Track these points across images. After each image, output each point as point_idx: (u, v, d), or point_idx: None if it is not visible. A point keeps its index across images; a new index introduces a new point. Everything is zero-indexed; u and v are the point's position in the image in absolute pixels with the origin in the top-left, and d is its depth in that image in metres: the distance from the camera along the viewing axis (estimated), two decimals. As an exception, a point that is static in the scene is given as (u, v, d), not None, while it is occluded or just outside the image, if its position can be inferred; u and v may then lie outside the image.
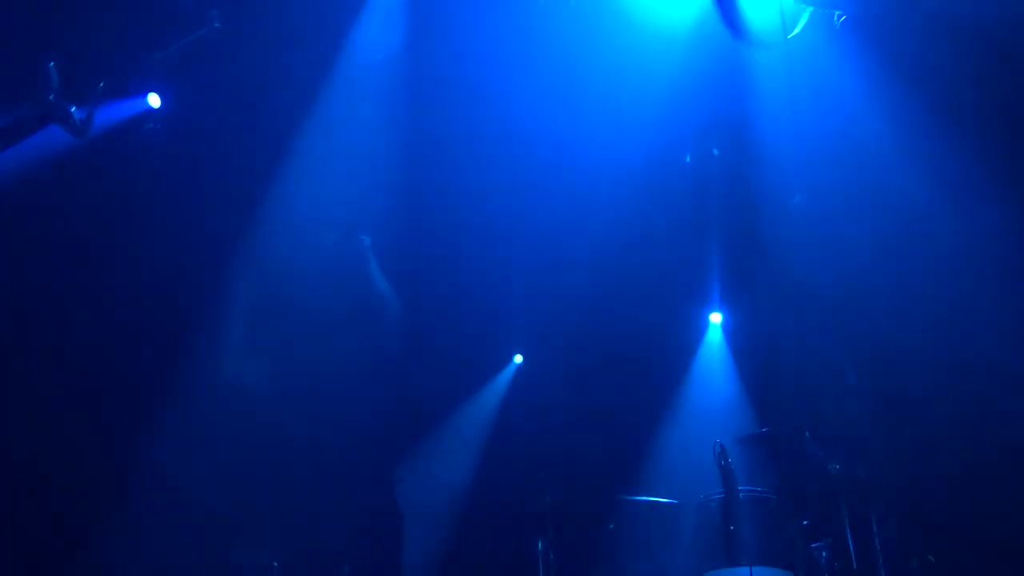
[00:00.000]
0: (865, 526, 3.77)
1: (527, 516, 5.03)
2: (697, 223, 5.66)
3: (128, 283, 5.00)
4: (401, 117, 4.93)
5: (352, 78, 4.64)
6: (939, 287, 4.49)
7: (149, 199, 4.91)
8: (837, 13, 4.54)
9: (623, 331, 6.29)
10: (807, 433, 4.02)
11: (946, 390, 4.41)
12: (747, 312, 6.03)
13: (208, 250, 5.15)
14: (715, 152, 5.26)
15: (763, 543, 4.07)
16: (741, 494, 4.16)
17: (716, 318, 6.44)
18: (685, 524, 4.44)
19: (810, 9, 4.41)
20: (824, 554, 3.91)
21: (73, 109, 1.50)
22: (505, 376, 6.70)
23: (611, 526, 4.50)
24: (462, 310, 5.74)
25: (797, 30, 4.37)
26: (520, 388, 6.54)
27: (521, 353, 6.82)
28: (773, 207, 5.30)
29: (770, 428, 4.20)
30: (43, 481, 4.38)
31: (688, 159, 5.19)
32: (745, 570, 4.00)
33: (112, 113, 4.80)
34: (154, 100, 5.14)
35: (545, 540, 4.26)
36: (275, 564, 4.35)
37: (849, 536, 3.82)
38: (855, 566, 3.75)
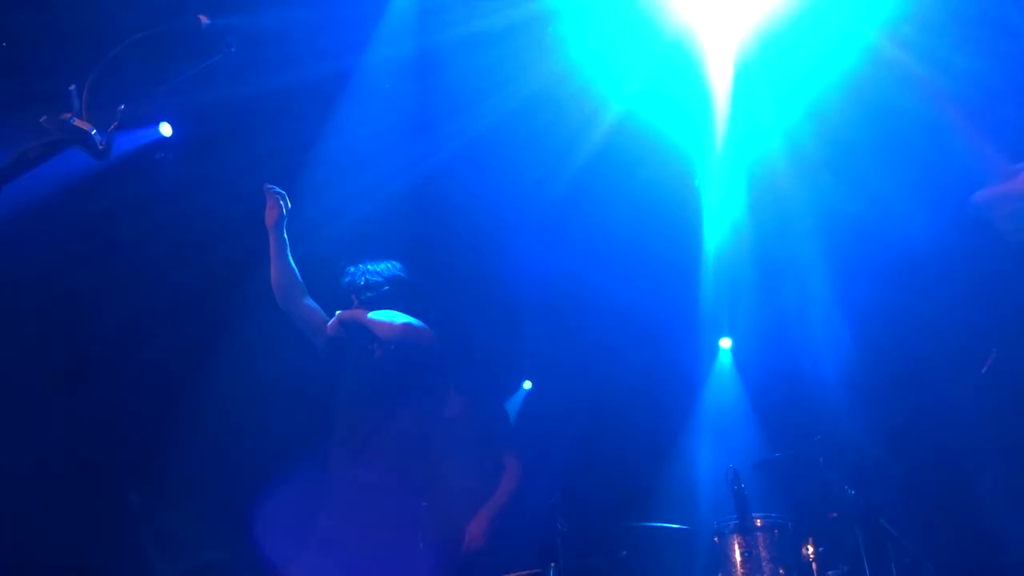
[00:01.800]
0: (881, 552, 3.72)
1: (538, 543, 4.99)
2: (703, 248, 5.67)
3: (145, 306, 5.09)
4: (411, 140, 4.96)
5: (364, 90, 4.67)
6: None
7: (163, 224, 4.99)
8: None
9: (633, 357, 6.29)
10: (821, 459, 3.98)
11: (960, 411, 4.39)
12: (757, 336, 6.01)
13: (223, 274, 5.21)
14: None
15: (778, 571, 4.02)
16: (755, 520, 4.12)
17: (726, 343, 6.43)
18: (698, 550, 4.39)
19: None
20: (840, 581, 3.85)
21: (94, 132, 1.50)
22: (514, 403, 6.69)
23: (623, 553, 4.45)
24: (470, 336, 5.73)
25: None
26: (530, 415, 6.53)
27: (530, 379, 6.81)
28: (781, 228, 5.31)
29: (783, 453, 4.16)
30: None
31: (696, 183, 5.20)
32: (760, 597, 3.95)
33: (124, 142, 4.88)
34: (166, 129, 5.22)
35: (557, 567, 4.21)
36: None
37: (865, 562, 3.76)
38: (872, 593, 3.70)
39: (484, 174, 5.04)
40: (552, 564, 4.23)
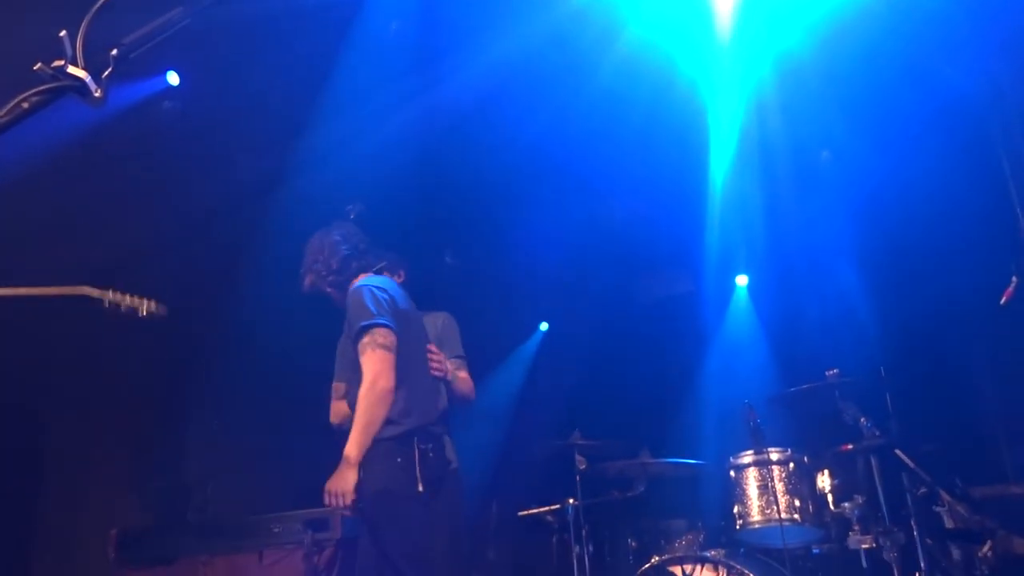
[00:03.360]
0: (896, 482, 3.74)
1: (557, 482, 5.07)
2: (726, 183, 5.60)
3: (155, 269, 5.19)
4: (419, 83, 4.90)
5: (372, 23, 4.60)
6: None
7: (168, 177, 5.04)
8: None
9: (647, 295, 6.29)
10: (836, 391, 3.98)
11: (978, 339, 4.37)
12: (773, 272, 5.98)
13: (231, 227, 5.27)
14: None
15: (794, 502, 4.07)
16: (770, 453, 4.15)
17: (742, 280, 6.40)
18: (714, 485, 4.44)
19: None
20: (856, 512, 3.89)
21: (89, 79, 1.48)
22: (531, 345, 6.74)
23: (641, 489, 4.51)
24: (485, 280, 5.75)
25: None
26: (547, 356, 6.58)
27: (546, 321, 6.84)
28: (797, 165, 5.23)
29: (798, 387, 4.16)
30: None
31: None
32: (776, 529, 4.00)
33: (130, 93, 4.87)
34: (173, 78, 5.19)
35: (575, 505, 4.29)
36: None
37: (880, 493, 3.79)
38: (887, 523, 3.73)
39: (492, 106, 4.98)
40: (570, 501, 4.31)
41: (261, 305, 5.45)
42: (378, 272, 3.55)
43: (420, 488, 3.05)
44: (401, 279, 3.89)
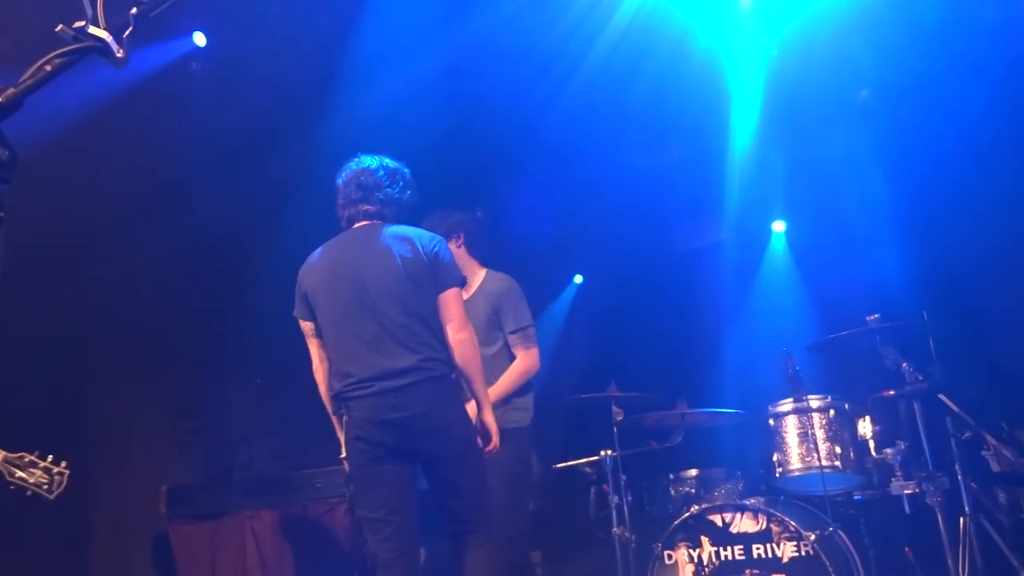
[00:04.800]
0: (940, 427, 3.69)
1: (594, 434, 5.09)
2: (758, 129, 5.47)
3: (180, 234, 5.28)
4: (449, 32, 4.84)
5: None
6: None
7: (196, 137, 5.07)
8: None
9: (684, 245, 6.22)
10: (877, 336, 3.91)
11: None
12: (811, 217, 5.87)
13: (260, 187, 5.31)
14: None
15: (834, 449, 4.04)
16: (809, 401, 4.11)
17: (779, 226, 6.29)
18: (753, 434, 4.43)
19: None
20: (898, 458, 3.85)
21: (110, 39, 1.47)
22: (565, 297, 6.71)
23: (679, 439, 4.51)
24: (518, 234, 5.72)
25: None
26: (581, 308, 6.56)
27: (580, 274, 6.81)
28: (836, 106, 5.08)
29: (838, 334, 4.10)
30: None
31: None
32: (816, 476, 3.98)
33: (156, 55, 4.87)
34: (200, 39, 5.17)
35: (613, 456, 4.30)
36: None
37: (924, 438, 3.74)
38: (931, 468, 3.69)
39: (520, 59, 4.91)
40: (607, 453, 4.32)
41: (301, 260, 5.49)
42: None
43: None
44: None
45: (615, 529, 4.19)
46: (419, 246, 3.32)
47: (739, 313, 5.93)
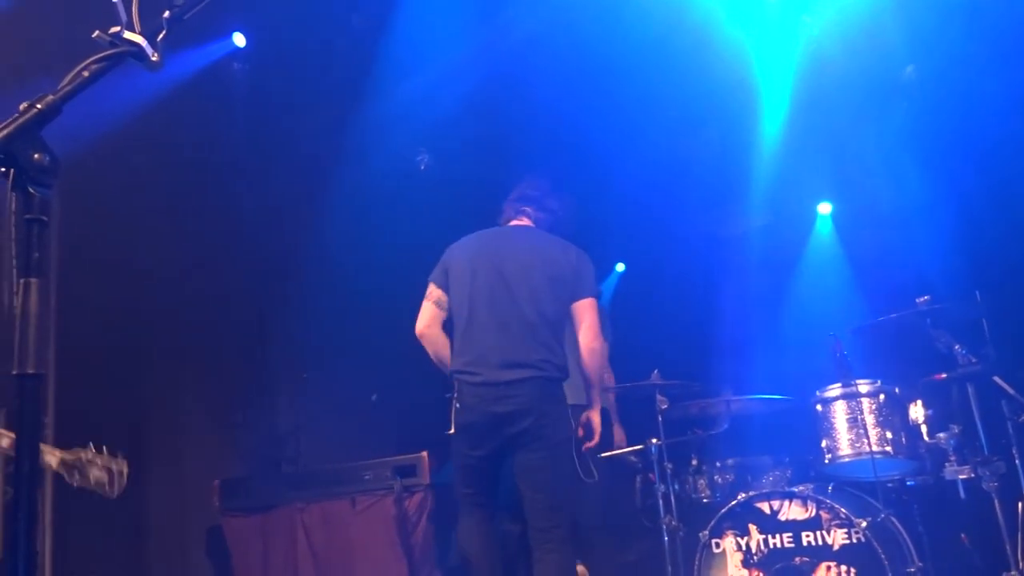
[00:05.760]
0: (995, 411, 3.59)
1: (639, 423, 5.06)
2: (799, 110, 5.37)
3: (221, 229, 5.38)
4: (479, 27, 4.84)
5: None
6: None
7: (238, 135, 5.15)
8: None
9: (725, 230, 6.14)
10: (928, 319, 3.81)
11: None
12: (858, 199, 5.74)
13: (300, 186, 5.39)
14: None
15: (885, 435, 3.96)
16: (858, 386, 4.03)
17: (824, 208, 6.17)
18: (801, 420, 4.36)
19: None
20: (952, 442, 3.76)
21: (145, 44, 1.50)
22: (608, 286, 6.68)
23: (725, 426, 4.46)
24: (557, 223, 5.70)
25: None
26: (624, 297, 6.52)
27: (622, 262, 6.77)
28: (881, 83, 4.96)
29: (887, 316, 4.01)
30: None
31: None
32: (867, 462, 3.91)
33: (197, 57, 4.96)
34: (239, 40, 5.26)
35: (658, 445, 4.27)
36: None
37: (979, 422, 3.65)
38: (986, 452, 3.60)
39: (557, 49, 4.89)
40: (652, 441, 4.29)
41: (345, 255, 5.58)
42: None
43: None
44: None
45: (662, 518, 4.17)
46: (564, 255, 3.58)
47: (784, 297, 5.84)
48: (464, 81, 5.10)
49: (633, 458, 4.59)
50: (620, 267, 6.79)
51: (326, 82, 5.25)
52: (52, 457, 2.64)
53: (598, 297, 3.63)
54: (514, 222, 3.76)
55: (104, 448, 2.71)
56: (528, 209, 3.75)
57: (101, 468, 2.67)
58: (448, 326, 3.64)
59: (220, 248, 5.76)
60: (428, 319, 3.60)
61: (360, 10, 4.89)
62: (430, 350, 3.62)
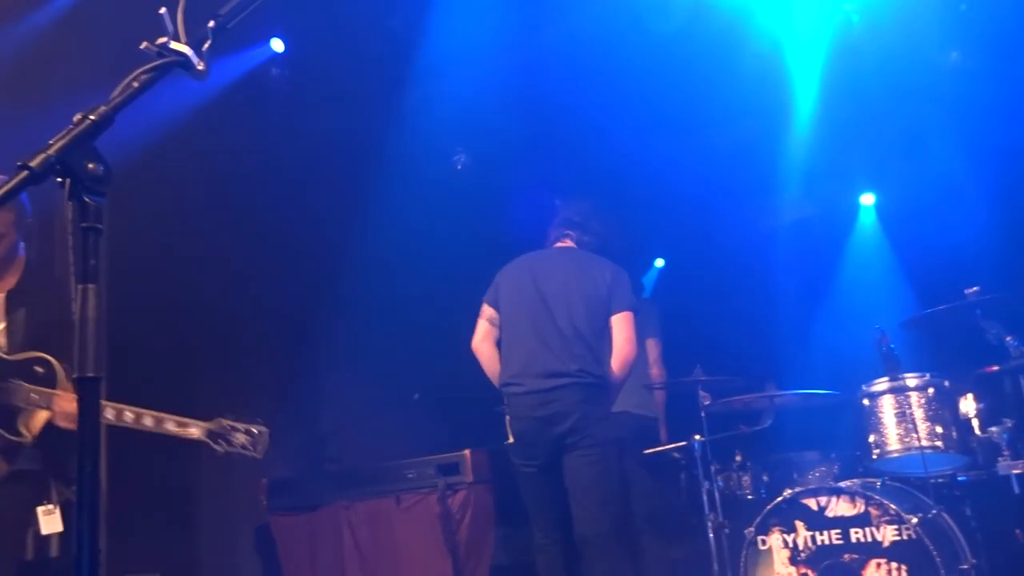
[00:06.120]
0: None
1: (682, 419, 5.03)
2: (837, 102, 5.28)
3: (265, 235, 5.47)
4: (515, 26, 4.85)
5: None
6: None
7: (278, 139, 5.23)
8: None
9: (765, 223, 6.07)
10: (978, 310, 3.73)
11: None
12: (902, 189, 5.63)
13: (340, 188, 5.46)
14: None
15: (935, 429, 3.88)
16: (906, 379, 3.96)
17: (868, 199, 6.07)
18: (847, 415, 4.29)
19: None
20: (1005, 436, 3.67)
21: (191, 53, 1.54)
22: (647, 283, 6.65)
23: (769, 422, 4.41)
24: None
25: None
26: (664, 292, 6.48)
27: (662, 257, 6.74)
28: (923, 71, 4.86)
29: (935, 308, 3.92)
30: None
31: None
32: (917, 457, 3.84)
33: (236, 64, 5.04)
34: (277, 45, 5.33)
35: (702, 441, 4.24)
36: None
37: (1033, 415, 3.56)
38: (1041, 446, 3.51)
39: (590, 45, 4.88)
40: (696, 437, 4.26)
41: (385, 255, 5.63)
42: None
43: None
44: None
45: (707, 515, 4.14)
46: (600, 274, 3.88)
47: (827, 290, 5.75)
48: (500, 81, 5.11)
49: (677, 455, 4.57)
50: (659, 262, 6.75)
51: (363, 85, 5.30)
52: (197, 429, 2.81)
53: (633, 310, 3.89)
54: (558, 244, 4.09)
55: (241, 415, 2.89)
56: (572, 232, 4.07)
57: (244, 432, 2.82)
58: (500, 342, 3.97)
59: (263, 251, 5.85)
60: (481, 335, 3.96)
61: (397, 13, 4.93)
62: (482, 363, 3.95)
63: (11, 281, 3.03)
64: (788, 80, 5.17)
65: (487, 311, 3.97)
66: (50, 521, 2.94)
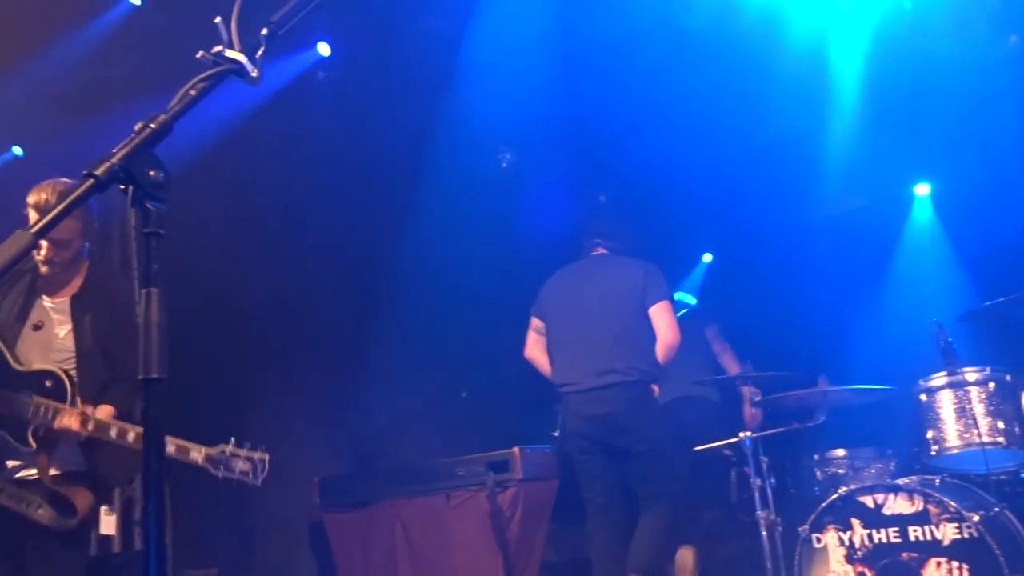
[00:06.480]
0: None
1: (732, 416, 4.98)
2: (888, 90, 5.16)
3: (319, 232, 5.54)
4: (561, 23, 4.85)
5: None
6: None
7: (327, 141, 5.30)
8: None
9: (816, 215, 5.97)
10: (1040, 301, 3.62)
11: None
12: (958, 178, 5.48)
13: (390, 188, 5.51)
14: None
15: (996, 424, 3.78)
16: (966, 374, 3.86)
17: (923, 189, 5.92)
18: (904, 411, 4.20)
19: None
20: (1071, 431, 3.56)
21: (245, 61, 1.57)
22: (695, 278, 6.59)
23: (822, 418, 4.34)
24: (649, 212, 5.67)
25: None
26: (712, 287, 6.42)
27: (709, 252, 6.67)
28: (982, 53, 4.71)
29: (995, 300, 3.82)
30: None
31: None
32: (977, 453, 3.75)
33: (285, 68, 5.12)
34: (324, 49, 5.41)
35: (753, 438, 4.19)
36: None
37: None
38: (1109, 441, 3.39)
39: (632, 43, 4.85)
40: (746, 434, 4.21)
41: (434, 254, 5.68)
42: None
43: None
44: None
45: (759, 512, 4.09)
46: (632, 274, 4.18)
47: (880, 283, 5.63)
48: (543, 79, 5.11)
49: (727, 452, 4.52)
50: (707, 257, 6.68)
51: (408, 85, 5.34)
52: (198, 454, 2.85)
53: (670, 299, 4.19)
54: (593, 253, 4.42)
55: (244, 444, 2.91)
56: (601, 241, 4.40)
57: (244, 460, 2.84)
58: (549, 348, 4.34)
59: (315, 252, 5.95)
60: (530, 344, 4.39)
61: (440, 13, 4.96)
62: (538, 368, 4.38)
63: (76, 284, 3.13)
64: (832, 69, 5.07)
65: (534, 323, 4.36)
66: (108, 522, 3.04)
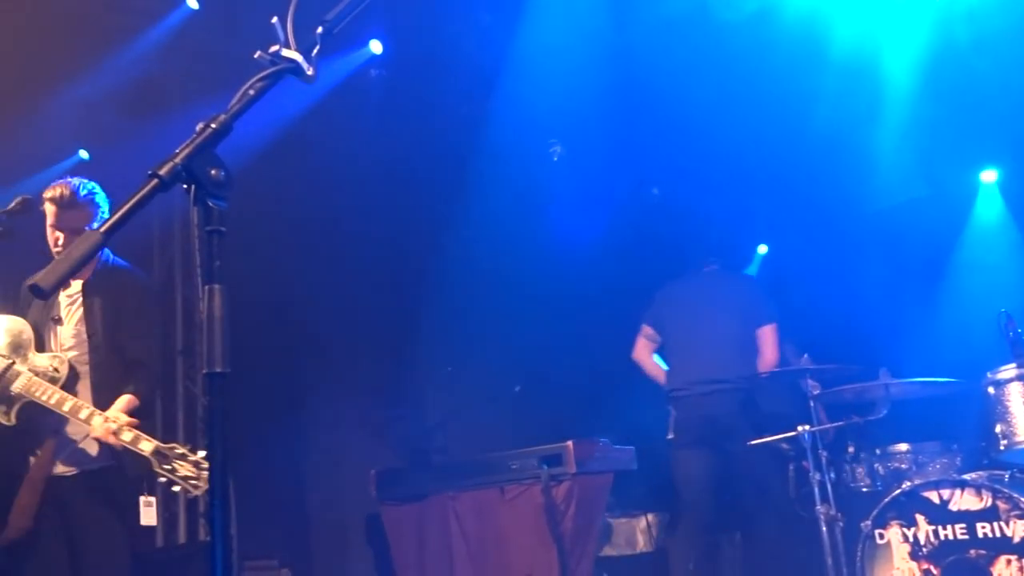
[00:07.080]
0: None
1: (790, 409, 4.89)
2: (948, 71, 5.00)
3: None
4: (611, 17, 4.81)
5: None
6: None
7: (378, 137, 5.35)
8: None
9: (878, 203, 5.82)
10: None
11: None
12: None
13: (440, 183, 5.54)
14: None
15: (1069, 417, 3.64)
16: (1037, 366, 3.73)
17: (989, 176, 5.73)
18: (970, 404, 4.08)
19: None
20: None
21: (301, 60, 1.59)
22: (750, 270, 6.49)
23: (884, 412, 4.23)
24: (705, 201, 5.61)
25: None
26: (769, 279, 6.31)
27: (766, 243, 6.56)
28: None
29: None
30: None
31: None
32: (1048, 449, 3.62)
33: (337, 67, 5.19)
34: (376, 47, 5.46)
35: (812, 432, 4.11)
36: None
37: None
38: None
39: (686, 38, 4.80)
40: (805, 428, 4.13)
41: (485, 248, 5.70)
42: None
43: None
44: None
45: (819, 507, 4.01)
46: (742, 291, 4.66)
47: (945, 273, 5.47)
48: (594, 71, 5.08)
49: (785, 446, 4.45)
50: (763, 249, 6.57)
51: (458, 80, 5.37)
52: (148, 444, 2.83)
53: (777, 321, 4.55)
54: (705, 269, 4.79)
55: (200, 451, 2.79)
56: (715, 260, 4.79)
57: (192, 464, 2.77)
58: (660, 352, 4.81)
59: (368, 249, 6.02)
60: (639, 348, 4.83)
61: (489, 8, 4.97)
62: (645, 370, 4.83)
63: (87, 272, 3.26)
64: (886, 54, 4.93)
65: (646, 330, 4.80)
66: (148, 513, 3.08)
